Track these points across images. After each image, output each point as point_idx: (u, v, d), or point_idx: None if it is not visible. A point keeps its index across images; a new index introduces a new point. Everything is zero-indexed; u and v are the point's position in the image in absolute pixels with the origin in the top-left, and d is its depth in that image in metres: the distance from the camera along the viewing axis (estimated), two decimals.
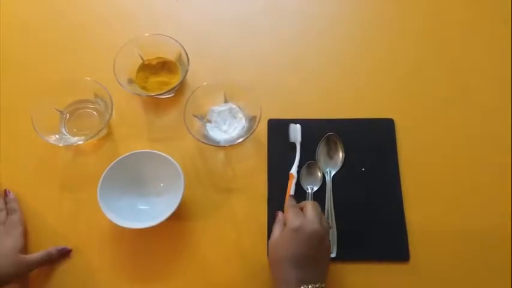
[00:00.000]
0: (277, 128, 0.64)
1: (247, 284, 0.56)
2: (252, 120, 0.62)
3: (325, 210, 0.58)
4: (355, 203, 0.59)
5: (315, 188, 0.60)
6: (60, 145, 0.62)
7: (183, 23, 0.74)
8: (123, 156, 0.58)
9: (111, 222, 0.54)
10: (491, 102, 0.66)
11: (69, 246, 0.58)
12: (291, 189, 0.59)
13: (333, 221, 0.58)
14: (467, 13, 0.73)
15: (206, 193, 0.61)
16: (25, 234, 0.58)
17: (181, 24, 0.73)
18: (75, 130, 0.64)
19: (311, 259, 0.49)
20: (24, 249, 0.57)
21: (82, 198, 0.61)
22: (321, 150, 0.62)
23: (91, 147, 0.65)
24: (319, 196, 0.59)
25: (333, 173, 0.61)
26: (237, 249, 0.58)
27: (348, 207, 0.59)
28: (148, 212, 0.58)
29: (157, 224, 0.54)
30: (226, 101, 0.64)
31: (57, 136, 0.62)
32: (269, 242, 0.53)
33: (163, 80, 0.66)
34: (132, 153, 0.58)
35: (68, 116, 0.65)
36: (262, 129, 0.64)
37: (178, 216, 0.57)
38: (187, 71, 0.63)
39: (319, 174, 0.61)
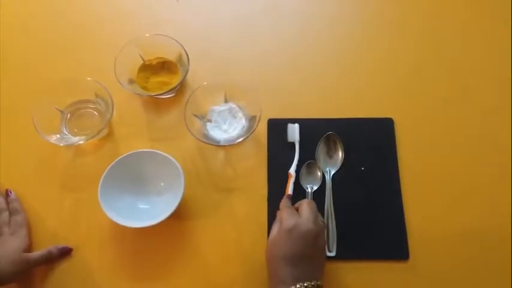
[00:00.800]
0: (277, 128, 0.64)
1: (247, 282, 0.56)
2: (252, 119, 0.62)
3: (325, 209, 0.59)
4: (354, 202, 0.59)
5: (315, 188, 0.60)
6: (61, 145, 0.62)
7: (184, 23, 0.74)
8: (123, 155, 0.58)
9: (111, 221, 0.54)
10: (491, 102, 0.66)
11: (69, 245, 0.59)
12: (290, 189, 0.59)
13: (332, 220, 0.58)
14: (467, 13, 0.73)
15: (206, 192, 0.61)
16: (30, 234, 0.59)
17: (181, 25, 0.74)
18: (76, 130, 0.65)
19: (306, 257, 0.49)
20: (29, 249, 0.57)
21: (83, 197, 0.61)
22: (321, 150, 0.62)
23: (92, 147, 0.65)
24: (318, 195, 0.60)
25: (333, 172, 0.61)
26: (237, 248, 0.58)
27: (347, 207, 0.59)
28: (148, 211, 0.59)
29: (157, 223, 0.54)
30: (226, 101, 0.64)
31: (58, 136, 0.62)
32: (268, 240, 0.53)
33: (163, 80, 0.67)
34: (133, 153, 0.58)
35: (68, 116, 0.65)
36: (262, 128, 0.64)
37: (178, 215, 0.57)
38: (187, 71, 0.64)
39: (319, 173, 0.61)
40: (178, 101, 0.67)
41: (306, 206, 0.53)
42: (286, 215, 0.52)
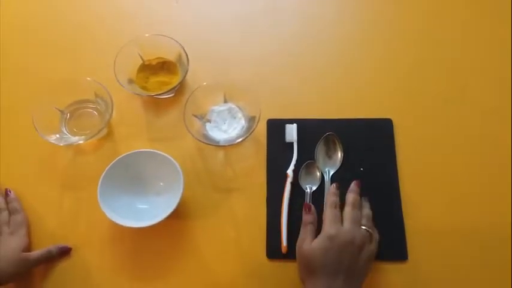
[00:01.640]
0: (276, 128, 0.64)
1: (246, 282, 0.57)
2: (251, 120, 0.62)
3: (324, 209, 0.58)
4: None
5: (314, 188, 0.60)
6: (61, 145, 0.62)
7: (183, 23, 0.74)
8: (123, 155, 0.58)
9: (111, 221, 0.54)
10: (491, 102, 0.65)
11: (69, 245, 0.59)
12: (287, 189, 0.59)
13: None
14: (467, 13, 0.72)
15: (205, 192, 0.61)
16: (29, 233, 0.59)
17: (181, 25, 0.74)
18: (75, 130, 0.65)
19: (344, 269, 0.48)
20: (28, 248, 0.58)
21: (82, 197, 0.61)
22: (320, 150, 0.62)
23: (91, 147, 0.65)
24: (317, 196, 0.59)
25: (332, 172, 0.61)
26: (236, 248, 0.58)
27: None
28: (148, 211, 0.59)
29: (156, 223, 0.54)
30: (225, 101, 0.64)
31: (57, 136, 0.63)
32: (300, 246, 0.52)
33: (163, 80, 0.67)
34: (132, 153, 0.58)
35: (68, 116, 0.65)
36: (261, 129, 0.64)
37: (177, 215, 0.58)
38: (187, 71, 0.64)
39: (318, 174, 0.61)
40: (178, 101, 0.67)
41: (348, 212, 0.52)
42: (328, 219, 0.51)
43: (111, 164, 0.57)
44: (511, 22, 0.70)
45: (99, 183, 0.56)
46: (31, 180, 0.63)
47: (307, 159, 0.61)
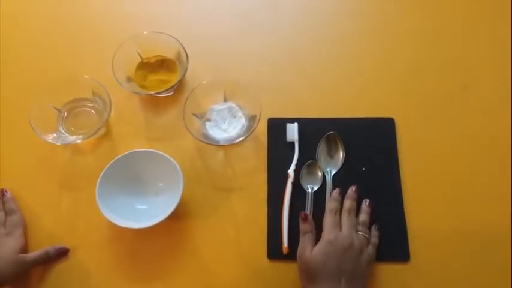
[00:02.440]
0: (277, 127, 0.63)
1: (246, 283, 0.56)
2: (251, 119, 0.61)
3: (325, 209, 0.58)
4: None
5: (315, 188, 0.60)
6: (58, 144, 0.61)
7: (182, 21, 0.73)
8: (121, 155, 0.57)
9: (109, 221, 0.54)
10: (492, 101, 0.65)
11: (67, 246, 0.58)
12: (288, 189, 0.59)
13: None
14: (468, 12, 0.72)
15: (205, 192, 0.61)
16: (25, 234, 0.58)
17: (180, 22, 0.73)
18: (73, 129, 0.64)
19: (345, 273, 0.50)
20: (25, 249, 0.57)
21: (80, 197, 0.61)
22: (321, 150, 0.62)
23: (89, 146, 0.64)
24: (319, 196, 0.59)
25: (333, 172, 0.60)
26: (237, 249, 0.58)
27: None
28: (147, 211, 0.58)
29: (156, 224, 0.53)
30: (225, 100, 0.64)
31: (55, 135, 0.62)
32: (301, 255, 0.52)
33: (162, 78, 0.66)
34: (131, 153, 0.57)
35: (65, 115, 0.64)
36: (262, 128, 0.64)
37: (177, 215, 0.57)
38: (186, 69, 0.63)
39: (320, 173, 0.60)
40: (177, 100, 0.66)
41: (345, 219, 0.54)
42: (328, 225, 0.53)
43: (109, 164, 0.57)
44: (511, 22, 0.70)
45: (98, 183, 0.55)
46: (28, 180, 0.62)
47: (308, 158, 0.61)
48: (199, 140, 0.59)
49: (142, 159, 0.58)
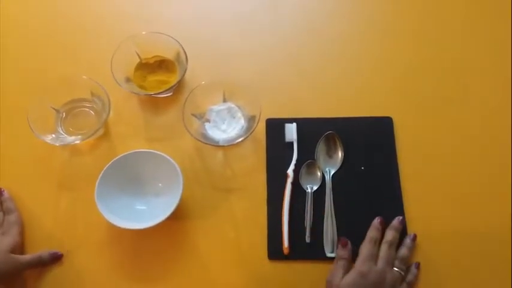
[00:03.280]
0: (276, 128, 0.63)
1: (247, 283, 0.56)
2: (251, 119, 0.61)
3: (325, 209, 0.58)
4: (354, 202, 0.59)
5: (315, 188, 0.60)
6: (57, 144, 0.61)
7: (182, 21, 0.73)
8: (120, 156, 0.57)
9: (108, 222, 0.53)
10: (491, 101, 0.65)
11: (64, 249, 0.58)
12: (287, 189, 0.59)
13: (333, 220, 0.57)
14: (467, 11, 0.72)
15: (205, 193, 0.61)
16: (22, 232, 0.58)
17: (179, 23, 0.73)
18: (71, 129, 0.64)
19: None
20: (19, 247, 0.57)
21: (79, 198, 0.60)
22: (320, 149, 0.62)
23: (88, 147, 0.64)
24: (318, 195, 0.59)
25: (333, 172, 0.61)
26: (237, 249, 0.58)
27: (347, 206, 0.59)
28: (146, 212, 0.58)
29: (155, 225, 0.53)
30: (225, 100, 0.64)
31: (53, 135, 0.61)
32: (330, 281, 0.52)
33: (161, 78, 0.66)
34: (130, 153, 0.57)
35: (64, 115, 0.64)
36: (260, 128, 0.64)
37: (176, 216, 0.57)
38: (185, 70, 0.63)
39: (319, 173, 0.60)
40: (176, 100, 0.66)
41: (384, 251, 0.53)
42: (363, 255, 0.52)
43: (108, 164, 0.56)
44: (511, 21, 0.70)
45: (97, 184, 0.55)
46: (27, 180, 0.62)
47: (307, 158, 0.61)
48: (199, 140, 0.58)
49: (142, 159, 0.58)
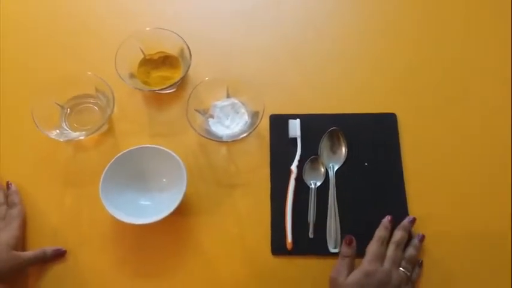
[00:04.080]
0: (280, 124, 0.63)
1: (251, 279, 0.56)
2: (254, 115, 0.61)
3: (328, 205, 0.58)
4: (358, 198, 0.59)
5: (318, 183, 0.60)
6: (61, 140, 0.61)
7: (185, 17, 0.73)
8: (124, 151, 0.57)
9: (113, 217, 0.54)
10: (493, 96, 0.65)
11: (68, 245, 0.58)
12: (291, 185, 0.59)
13: (336, 216, 0.57)
14: (468, 11, 0.72)
15: (209, 188, 0.61)
16: (23, 226, 0.58)
17: (183, 19, 0.73)
18: (76, 125, 0.64)
19: None
20: (22, 240, 0.57)
21: (84, 193, 0.61)
22: (324, 145, 0.62)
23: (92, 143, 0.64)
24: (322, 191, 0.59)
25: (336, 168, 0.61)
26: (240, 245, 0.58)
27: (350, 202, 0.59)
28: (150, 207, 0.58)
29: (159, 220, 0.53)
30: (228, 96, 0.64)
31: (58, 131, 0.62)
32: (335, 279, 0.51)
33: (165, 74, 0.66)
34: (134, 149, 0.57)
35: (68, 111, 0.64)
36: (264, 124, 0.64)
37: (180, 211, 0.57)
38: (189, 66, 0.63)
39: (322, 169, 0.61)
40: (180, 96, 0.66)
41: (391, 252, 0.52)
42: (370, 255, 0.51)
43: (113, 160, 0.57)
44: None
45: (101, 179, 0.55)
46: (31, 176, 0.62)
47: (311, 154, 0.61)
48: (203, 136, 0.59)
49: (146, 155, 0.58)
